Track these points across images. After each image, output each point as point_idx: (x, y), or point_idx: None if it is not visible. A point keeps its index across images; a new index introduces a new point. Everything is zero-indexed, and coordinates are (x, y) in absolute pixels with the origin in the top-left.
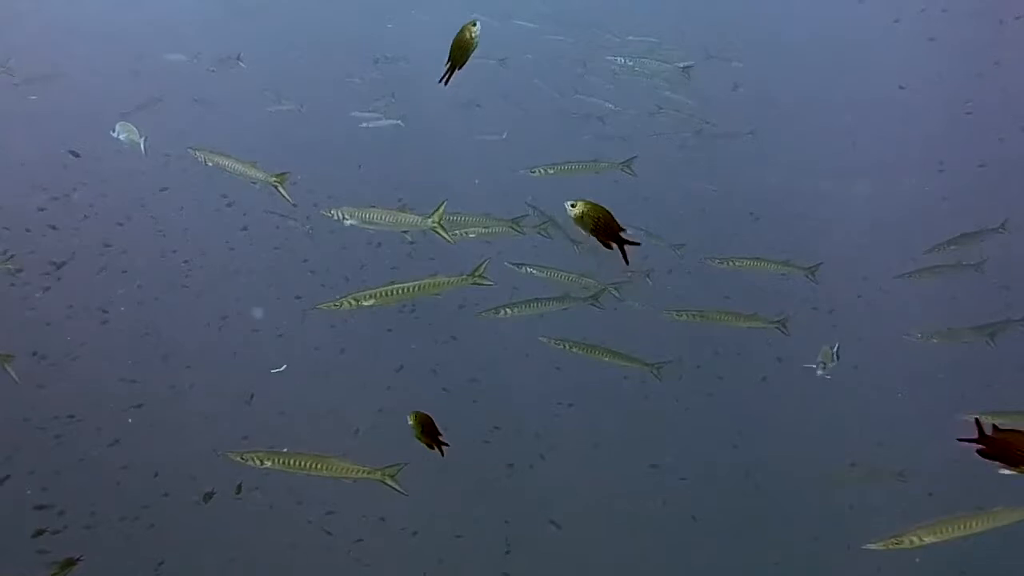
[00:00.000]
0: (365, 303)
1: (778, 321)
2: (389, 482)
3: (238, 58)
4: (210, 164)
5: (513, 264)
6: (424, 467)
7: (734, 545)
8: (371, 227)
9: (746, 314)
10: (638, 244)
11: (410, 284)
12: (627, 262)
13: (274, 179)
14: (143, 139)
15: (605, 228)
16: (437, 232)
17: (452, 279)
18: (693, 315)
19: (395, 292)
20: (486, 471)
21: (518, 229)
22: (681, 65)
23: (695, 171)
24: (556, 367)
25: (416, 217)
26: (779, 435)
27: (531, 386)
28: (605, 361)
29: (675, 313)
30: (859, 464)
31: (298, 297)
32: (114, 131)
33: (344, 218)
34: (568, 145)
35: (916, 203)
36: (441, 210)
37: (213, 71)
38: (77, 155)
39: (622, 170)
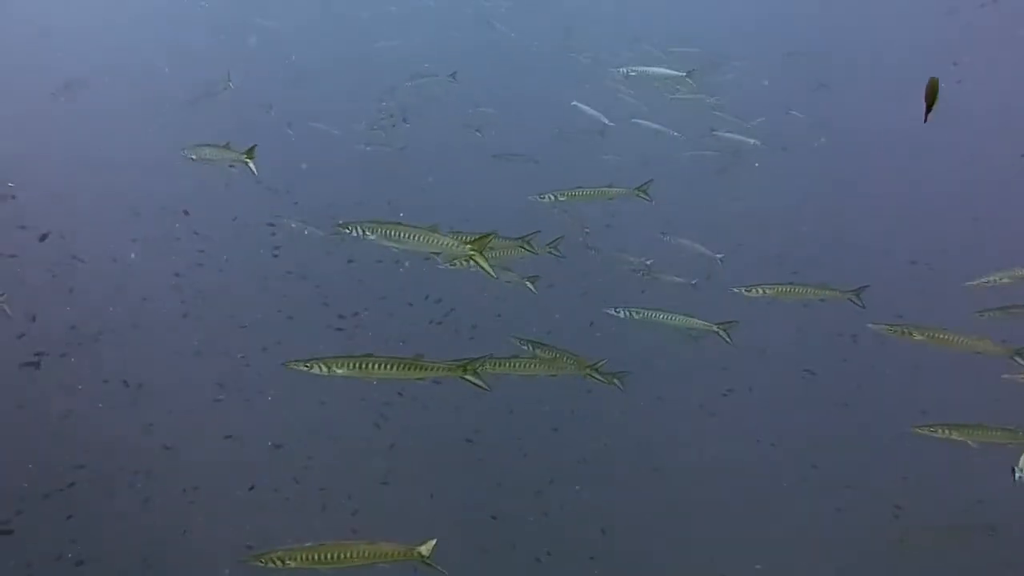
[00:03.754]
0: (337, 370)
1: (725, 324)
2: (429, 561)
3: (228, 79)
4: (194, 158)
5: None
6: None
7: None
8: (395, 245)
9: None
10: None
11: (390, 361)
12: None
13: (244, 155)
14: None
15: None
16: (476, 262)
17: (439, 366)
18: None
19: (371, 366)
20: None
21: (529, 248)
22: (684, 72)
23: (734, 191)
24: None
25: (451, 240)
26: None
27: None
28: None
29: (613, 310)
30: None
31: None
32: None
33: (365, 234)
34: (594, 167)
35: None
36: (486, 239)
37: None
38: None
39: (637, 195)
